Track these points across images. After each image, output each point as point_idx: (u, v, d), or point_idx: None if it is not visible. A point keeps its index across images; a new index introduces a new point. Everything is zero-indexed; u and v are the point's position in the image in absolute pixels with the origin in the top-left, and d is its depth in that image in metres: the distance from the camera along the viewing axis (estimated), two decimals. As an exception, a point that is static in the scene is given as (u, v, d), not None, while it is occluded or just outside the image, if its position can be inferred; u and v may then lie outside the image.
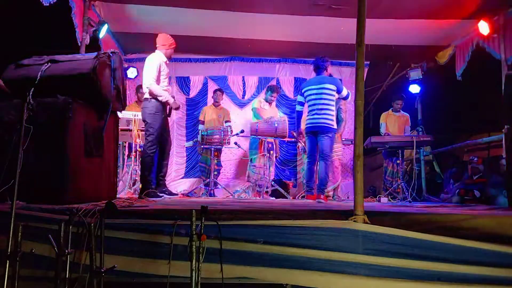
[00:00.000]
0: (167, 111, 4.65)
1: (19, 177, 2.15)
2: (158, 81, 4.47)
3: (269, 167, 5.93)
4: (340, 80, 5.80)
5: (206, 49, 5.91)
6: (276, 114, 6.41)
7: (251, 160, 6.24)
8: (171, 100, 4.61)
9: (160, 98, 4.47)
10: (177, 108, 4.81)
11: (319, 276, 2.40)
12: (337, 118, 5.32)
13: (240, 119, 7.26)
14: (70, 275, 2.21)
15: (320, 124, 4.78)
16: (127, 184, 5.59)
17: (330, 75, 5.15)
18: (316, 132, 4.83)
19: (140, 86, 6.66)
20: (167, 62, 4.68)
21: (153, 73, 4.44)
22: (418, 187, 5.94)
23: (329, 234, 2.46)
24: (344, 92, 4.98)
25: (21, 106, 2.24)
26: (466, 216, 2.69)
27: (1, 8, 4.77)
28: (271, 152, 6.13)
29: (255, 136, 5.97)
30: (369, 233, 2.45)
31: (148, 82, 4.45)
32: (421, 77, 6.86)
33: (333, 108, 4.85)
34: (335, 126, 4.84)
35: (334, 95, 4.85)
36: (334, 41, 6.10)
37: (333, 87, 4.83)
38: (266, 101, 6.40)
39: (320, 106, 4.80)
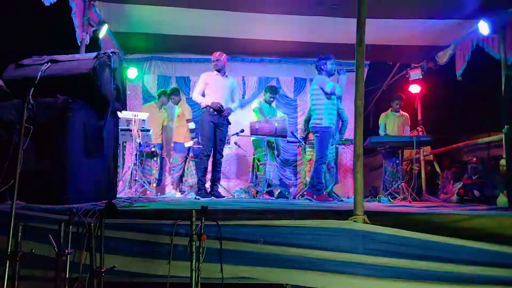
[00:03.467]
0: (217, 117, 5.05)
1: (19, 177, 2.15)
2: (201, 93, 5.12)
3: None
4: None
5: (206, 49, 5.90)
6: (277, 114, 6.41)
7: (258, 159, 6.22)
8: (207, 102, 5.02)
9: (201, 105, 5.10)
10: (220, 110, 5.06)
11: (319, 276, 2.40)
12: (341, 119, 5.59)
13: (240, 119, 7.25)
14: (70, 275, 2.21)
15: (312, 125, 5.02)
16: (127, 184, 5.60)
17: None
18: (313, 133, 5.09)
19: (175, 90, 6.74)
20: (216, 74, 5.13)
21: (196, 87, 5.22)
22: (418, 187, 5.94)
23: (329, 234, 2.46)
24: (327, 88, 4.82)
25: (21, 106, 2.24)
26: (466, 216, 2.69)
27: (1, 8, 4.77)
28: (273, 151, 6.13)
29: (255, 136, 5.97)
30: (369, 233, 2.45)
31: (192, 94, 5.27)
32: (421, 77, 6.86)
33: (320, 106, 4.91)
34: (323, 125, 4.86)
35: (319, 93, 4.91)
36: (334, 41, 6.09)
37: (316, 86, 4.95)
38: (266, 102, 6.39)
39: (311, 107, 5.11)
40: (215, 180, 5.14)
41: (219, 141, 5.11)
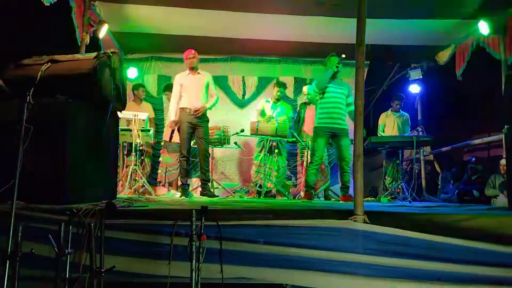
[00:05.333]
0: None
1: (19, 177, 2.15)
2: (178, 96, 5.16)
3: (274, 166, 5.94)
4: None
5: (206, 49, 5.93)
6: (284, 110, 6.40)
7: (254, 158, 6.26)
8: (171, 117, 5.22)
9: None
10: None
11: (319, 276, 2.40)
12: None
13: (240, 118, 7.26)
14: (70, 275, 2.21)
15: None
16: (127, 184, 5.59)
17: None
18: None
19: (137, 85, 6.64)
20: (189, 74, 5.17)
21: (173, 91, 5.22)
22: (418, 187, 5.94)
23: (329, 234, 2.46)
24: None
25: (21, 106, 2.24)
26: (466, 216, 2.69)
27: (1, 8, 4.76)
28: (276, 151, 6.10)
29: (256, 136, 5.97)
30: (369, 233, 2.45)
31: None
32: (421, 77, 6.86)
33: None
34: (314, 125, 5.05)
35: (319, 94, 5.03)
36: (334, 41, 6.10)
37: None
38: (276, 99, 6.34)
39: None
40: (205, 180, 5.10)
41: (200, 140, 5.10)
